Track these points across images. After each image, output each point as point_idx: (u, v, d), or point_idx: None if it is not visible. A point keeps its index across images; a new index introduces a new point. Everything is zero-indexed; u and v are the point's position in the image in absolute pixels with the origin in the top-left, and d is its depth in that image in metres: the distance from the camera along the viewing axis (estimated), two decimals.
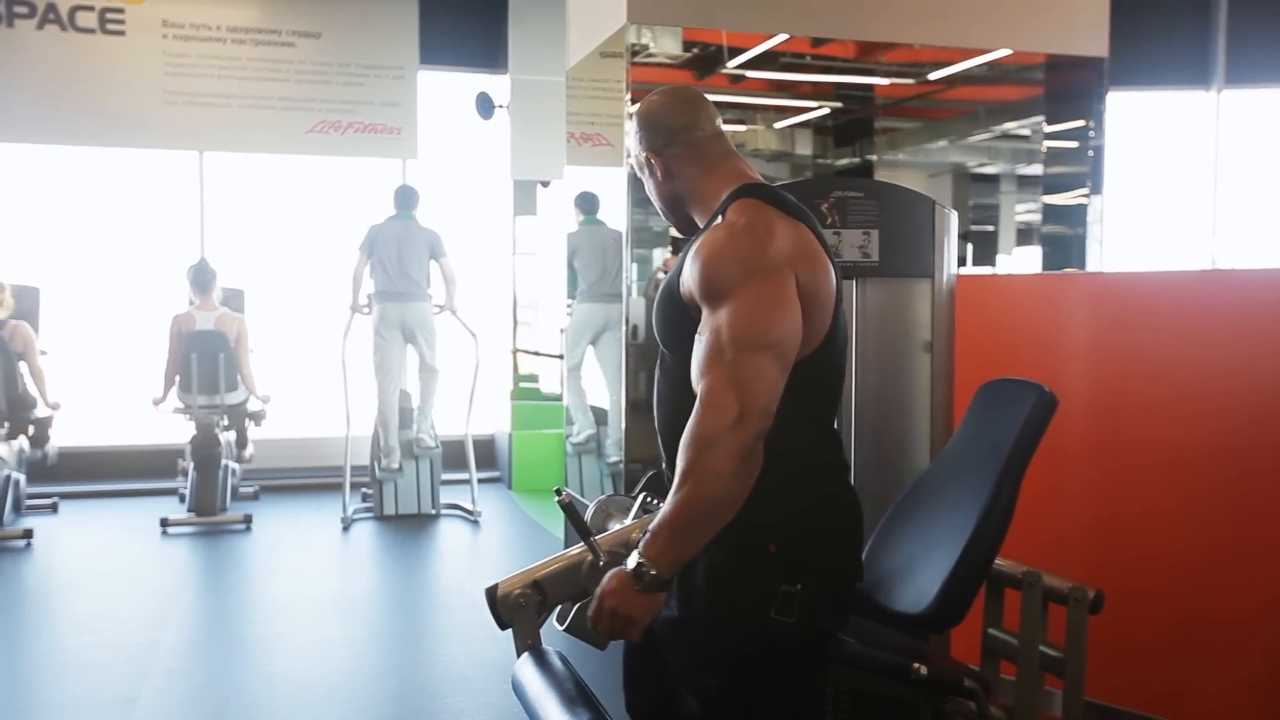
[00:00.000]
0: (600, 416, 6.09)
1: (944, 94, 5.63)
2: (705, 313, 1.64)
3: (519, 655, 1.73)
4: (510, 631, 1.76)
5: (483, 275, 7.78)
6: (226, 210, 7.51)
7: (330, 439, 6.76)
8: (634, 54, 4.66)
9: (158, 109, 7.09)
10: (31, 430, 6.03)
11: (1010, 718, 2.33)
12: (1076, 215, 5.61)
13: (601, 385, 6.10)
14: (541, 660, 1.69)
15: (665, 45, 4.98)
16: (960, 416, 2.48)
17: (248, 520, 6.05)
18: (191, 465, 6.16)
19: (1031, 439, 2.16)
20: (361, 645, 4.21)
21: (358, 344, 6.31)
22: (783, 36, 5.09)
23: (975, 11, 5.11)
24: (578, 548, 1.78)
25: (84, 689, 3.70)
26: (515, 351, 7.81)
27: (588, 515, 1.96)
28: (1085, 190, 5.55)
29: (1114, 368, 3.17)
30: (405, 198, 6.39)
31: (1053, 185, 5.68)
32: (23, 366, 5.91)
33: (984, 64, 5.33)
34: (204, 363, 6.10)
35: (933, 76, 5.52)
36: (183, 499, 6.33)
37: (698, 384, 1.60)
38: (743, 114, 5.47)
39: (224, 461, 6.20)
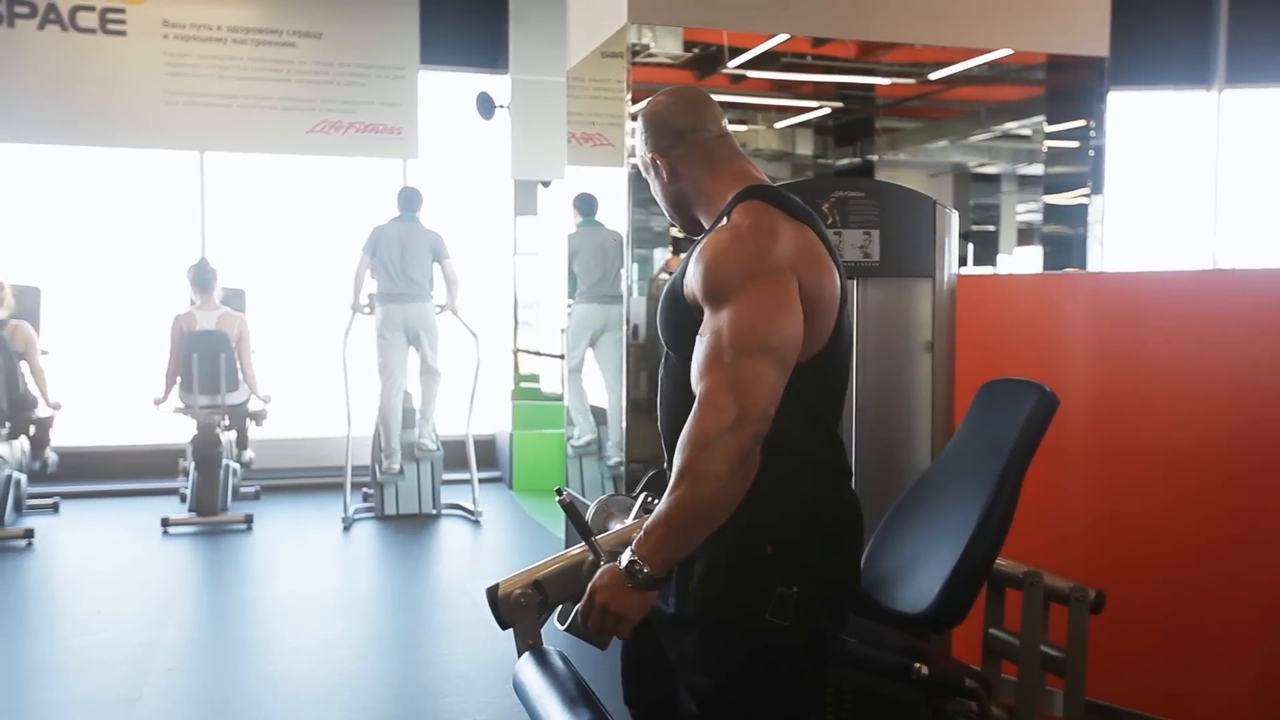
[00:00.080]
0: (600, 417, 6.08)
1: (945, 94, 5.63)
2: (707, 314, 1.64)
3: (520, 655, 1.74)
4: (511, 631, 1.76)
5: (483, 275, 7.78)
6: (227, 210, 7.52)
7: (331, 439, 6.77)
8: (635, 54, 4.67)
9: (158, 109, 7.10)
10: (33, 430, 6.04)
11: (1011, 718, 2.33)
12: (1077, 215, 5.61)
13: (601, 386, 6.11)
14: (542, 660, 1.70)
15: (666, 45, 4.98)
16: (961, 416, 2.48)
17: (249, 520, 6.05)
18: (192, 465, 6.16)
19: (1032, 439, 2.17)
20: (362, 645, 4.21)
21: (359, 344, 6.32)
22: (783, 36, 5.09)
23: (976, 11, 5.11)
24: (579, 548, 1.78)
25: (84, 689, 3.70)
26: (516, 351, 7.82)
27: (589, 515, 1.96)
28: (1086, 190, 5.55)
29: (1115, 368, 3.17)
30: (408, 199, 6.40)
31: (1053, 185, 5.68)
32: (24, 366, 5.91)
33: (985, 64, 5.33)
34: (205, 363, 6.10)
35: (933, 76, 5.52)
36: (183, 499, 6.34)
37: (697, 385, 1.60)
38: (743, 114, 5.47)
39: (225, 461, 6.21)
